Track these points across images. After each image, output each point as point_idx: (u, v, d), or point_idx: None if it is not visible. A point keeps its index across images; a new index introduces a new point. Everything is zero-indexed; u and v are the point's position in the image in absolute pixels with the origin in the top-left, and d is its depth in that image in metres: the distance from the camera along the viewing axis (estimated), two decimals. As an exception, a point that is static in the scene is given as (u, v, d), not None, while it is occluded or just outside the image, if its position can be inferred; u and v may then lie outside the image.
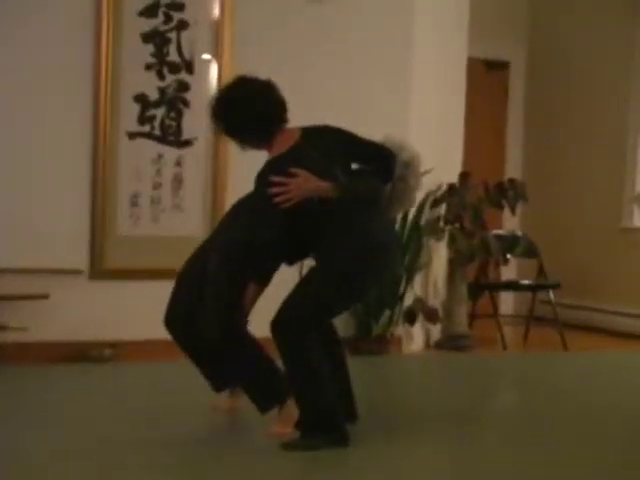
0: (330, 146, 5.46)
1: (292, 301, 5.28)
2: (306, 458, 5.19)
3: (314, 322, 5.34)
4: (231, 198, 7.92)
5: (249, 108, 5.46)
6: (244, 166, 7.78)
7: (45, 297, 7.60)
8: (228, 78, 7.93)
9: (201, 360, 6.03)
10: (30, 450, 5.16)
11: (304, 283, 5.36)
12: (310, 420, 5.37)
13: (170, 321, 5.97)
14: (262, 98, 5.49)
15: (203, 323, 5.69)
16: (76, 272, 7.84)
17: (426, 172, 8.46)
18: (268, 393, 5.66)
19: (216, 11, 8.22)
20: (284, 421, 5.53)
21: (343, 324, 8.39)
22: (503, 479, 4.96)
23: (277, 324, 5.23)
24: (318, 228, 5.34)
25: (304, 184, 5.21)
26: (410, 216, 8.66)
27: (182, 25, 8.11)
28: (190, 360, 6.02)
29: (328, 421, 5.37)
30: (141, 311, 7.86)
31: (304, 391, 5.40)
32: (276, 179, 5.20)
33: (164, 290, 7.73)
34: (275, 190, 5.19)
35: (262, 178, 5.39)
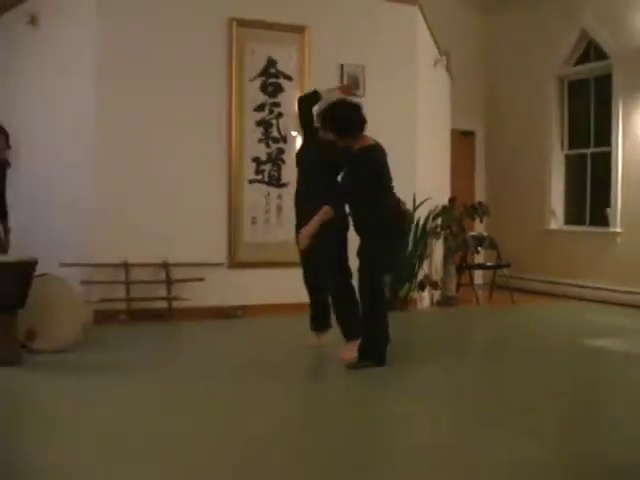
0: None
1: (364, 265, 5.37)
2: (359, 375, 5.24)
3: (382, 277, 5.47)
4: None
5: (355, 113, 5.56)
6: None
7: (201, 280, 7.65)
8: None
9: (319, 307, 6.18)
10: (189, 378, 5.12)
11: (365, 252, 5.41)
12: (370, 349, 5.36)
13: (306, 280, 6.21)
14: (359, 109, 5.60)
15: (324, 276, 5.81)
16: (220, 264, 7.89)
17: (428, 199, 8.67)
18: (356, 329, 5.52)
19: None
20: (351, 349, 5.52)
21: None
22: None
23: (362, 281, 5.38)
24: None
25: None
26: (420, 225, 8.77)
27: (279, 115, 8.15)
28: (312, 306, 6.18)
29: (381, 351, 5.41)
30: (259, 286, 7.98)
31: (375, 328, 5.38)
32: None
33: (272, 274, 7.97)
34: None
35: (375, 152, 5.61)
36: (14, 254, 6.09)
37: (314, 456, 3.47)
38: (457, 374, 5.46)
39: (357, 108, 5.60)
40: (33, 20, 7.86)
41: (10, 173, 6.70)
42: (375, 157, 5.59)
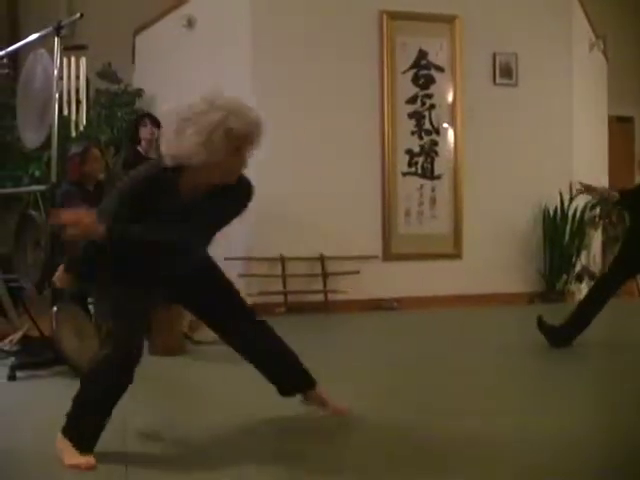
0: None
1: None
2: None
3: None
4: (467, 211, 8.06)
5: None
6: (473, 191, 7.95)
7: (357, 272, 7.68)
8: (460, 138, 8.14)
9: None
10: (351, 365, 5.05)
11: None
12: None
13: None
14: None
15: None
16: (374, 257, 7.90)
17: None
18: None
19: (451, 97, 8.17)
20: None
21: (537, 282, 8.41)
22: None
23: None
24: None
25: None
26: (577, 215, 8.52)
27: (431, 107, 8.08)
28: None
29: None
30: (413, 278, 7.91)
31: None
32: None
33: (427, 266, 7.92)
34: None
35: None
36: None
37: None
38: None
39: None
40: (190, 23, 8.08)
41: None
42: None
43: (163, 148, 2.88)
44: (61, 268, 3.25)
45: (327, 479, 2.99)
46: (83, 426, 2.99)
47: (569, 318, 5.59)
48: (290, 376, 3.52)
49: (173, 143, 2.83)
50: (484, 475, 2.95)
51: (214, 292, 3.34)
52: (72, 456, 2.94)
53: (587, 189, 5.62)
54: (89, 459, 2.92)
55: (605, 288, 5.64)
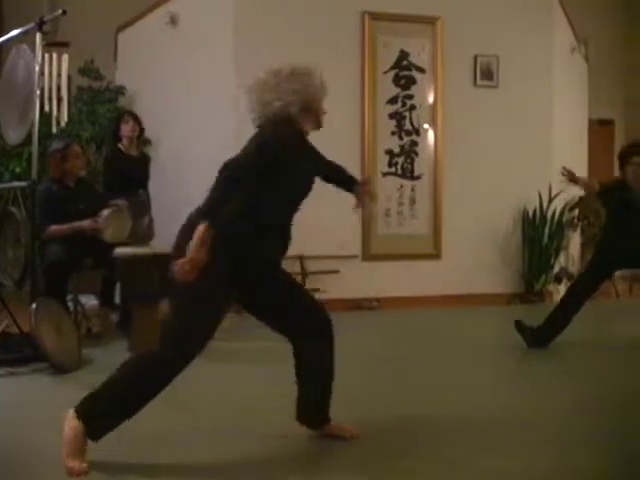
0: None
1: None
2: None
3: None
4: (446, 211, 8.09)
5: None
6: (452, 192, 7.97)
7: (336, 272, 7.68)
8: (440, 139, 8.19)
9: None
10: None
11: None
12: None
13: None
14: None
15: None
16: (354, 257, 7.90)
17: (561, 192, 8.43)
18: None
19: (432, 98, 8.18)
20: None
21: (516, 283, 8.46)
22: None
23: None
24: None
25: None
26: (556, 217, 8.58)
27: (412, 108, 8.09)
28: None
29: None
30: (393, 278, 7.94)
31: None
32: None
33: (406, 266, 7.95)
34: None
35: None
36: (155, 245, 6.23)
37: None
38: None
39: None
40: (173, 20, 8.07)
41: (153, 165, 6.94)
42: None
43: (291, 98, 3.12)
44: (197, 244, 2.76)
45: (325, 477, 3.03)
46: (102, 414, 2.87)
47: (547, 320, 5.64)
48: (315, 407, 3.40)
49: (301, 86, 3.15)
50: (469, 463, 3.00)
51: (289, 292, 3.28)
52: (71, 452, 2.86)
53: (570, 176, 5.62)
54: (83, 465, 2.85)
55: (582, 290, 5.69)
